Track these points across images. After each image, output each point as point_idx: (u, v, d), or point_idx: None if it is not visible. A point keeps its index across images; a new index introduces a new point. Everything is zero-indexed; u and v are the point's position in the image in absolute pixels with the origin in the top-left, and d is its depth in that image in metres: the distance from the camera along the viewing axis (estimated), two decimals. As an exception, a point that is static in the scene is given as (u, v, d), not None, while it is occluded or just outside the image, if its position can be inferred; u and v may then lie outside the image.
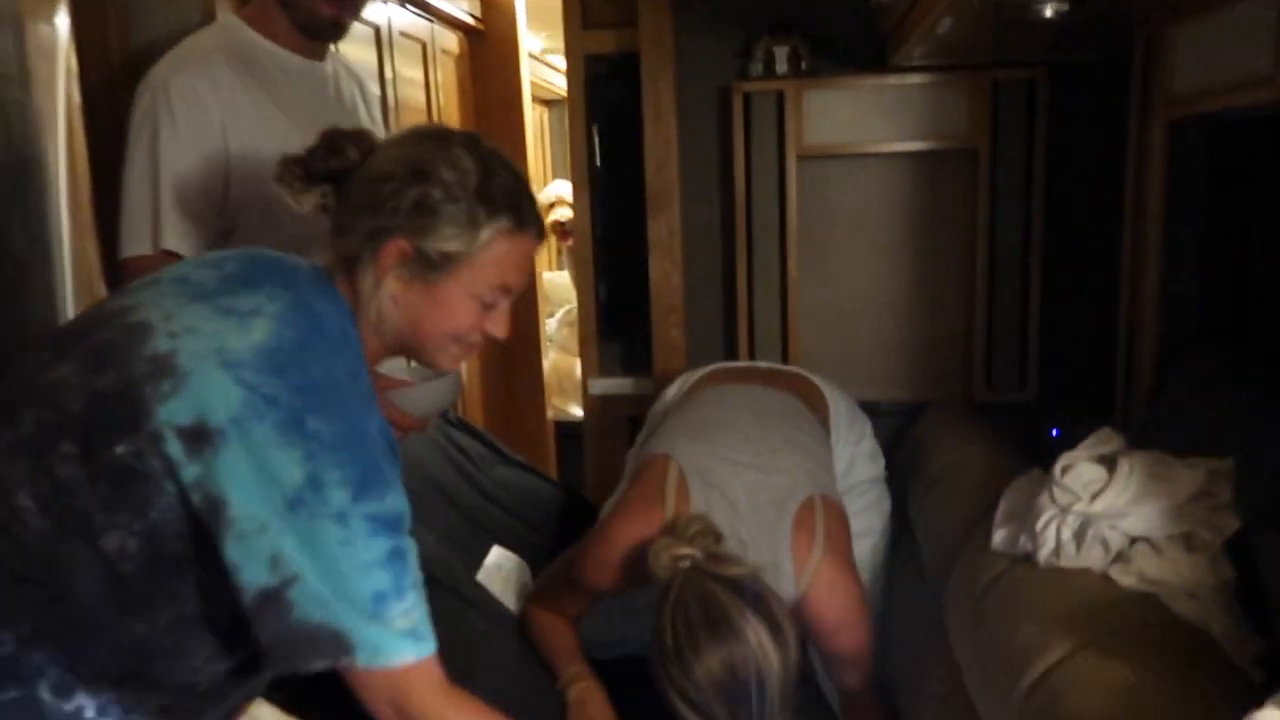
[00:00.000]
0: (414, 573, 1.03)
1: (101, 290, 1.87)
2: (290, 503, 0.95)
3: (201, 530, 0.98)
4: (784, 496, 1.51)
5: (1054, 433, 2.02)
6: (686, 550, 1.32)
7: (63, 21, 1.73)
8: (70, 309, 1.82)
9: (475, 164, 1.12)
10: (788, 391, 1.82)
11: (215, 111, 1.57)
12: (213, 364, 0.97)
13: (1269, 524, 1.16)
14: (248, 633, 0.98)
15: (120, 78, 2.03)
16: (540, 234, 1.18)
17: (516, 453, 2.12)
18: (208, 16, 2.10)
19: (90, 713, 1.02)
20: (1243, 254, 1.66)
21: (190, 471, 0.95)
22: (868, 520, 1.86)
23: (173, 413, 0.96)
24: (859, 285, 2.29)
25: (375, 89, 2.00)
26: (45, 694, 1.00)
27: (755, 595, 1.30)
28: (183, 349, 0.98)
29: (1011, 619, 1.23)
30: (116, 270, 1.66)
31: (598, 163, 2.52)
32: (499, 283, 1.15)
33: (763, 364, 2.03)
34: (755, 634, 1.25)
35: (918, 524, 1.88)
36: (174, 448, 0.95)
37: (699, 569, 1.31)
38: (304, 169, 1.14)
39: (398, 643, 1.00)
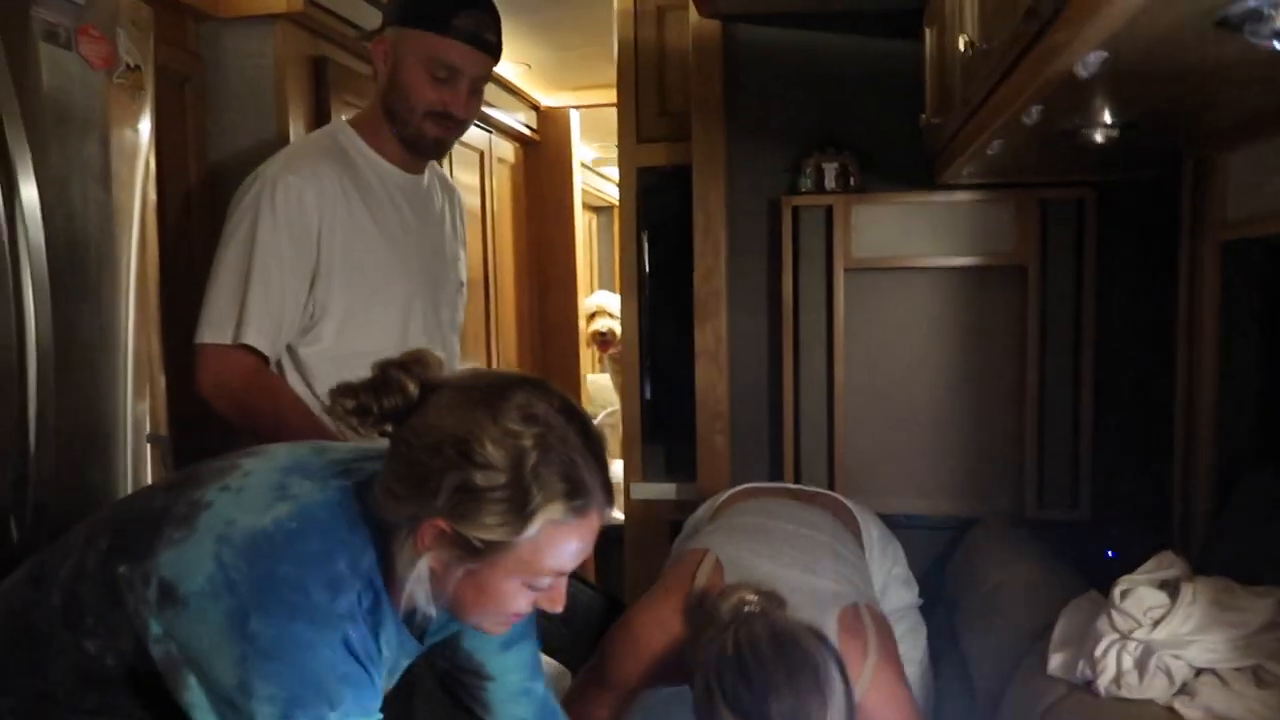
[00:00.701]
0: None
1: (161, 384, 1.92)
2: (223, 700, 0.93)
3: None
4: (827, 600, 1.48)
5: (1109, 554, 1.98)
6: (756, 597, 1.32)
7: (145, 126, 1.82)
8: (130, 397, 1.87)
9: (532, 439, 0.96)
10: (823, 509, 1.81)
11: (315, 218, 1.62)
12: (214, 532, 0.99)
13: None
14: None
15: (196, 185, 2.13)
16: (609, 500, 1.03)
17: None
18: (281, 136, 2.22)
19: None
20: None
21: (158, 623, 0.97)
22: (905, 649, 1.79)
23: (166, 562, 0.98)
24: (907, 397, 2.28)
25: (465, 199, 2.07)
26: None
27: (815, 631, 1.32)
28: (213, 505, 1.01)
29: (1072, 750, 1.18)
30: (183, 358, 1.71)
31: (647, 270, 2.56)
32: (551, 569, 1.01)
33: (792, 485, 2.03)
34: (821, 664, 1.25)
35: (968, 643, 1.82)
36: (152, 593, 0.97)
37: (765, 611, 1.31)
38: (356, 404, 1.01)
39: None
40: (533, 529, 0.96)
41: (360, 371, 1.64)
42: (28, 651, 1.03)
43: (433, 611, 1.03)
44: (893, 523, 2.27)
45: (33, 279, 1.66)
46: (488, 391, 0.99)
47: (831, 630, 1.44)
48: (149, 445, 1.91)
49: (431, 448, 0.97)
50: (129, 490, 1.89)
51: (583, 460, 0.99)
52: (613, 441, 4.49)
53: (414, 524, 0.98)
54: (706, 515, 1.91)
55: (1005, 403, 2.22)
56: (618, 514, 2.88)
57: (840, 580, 1.55)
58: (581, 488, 0.98)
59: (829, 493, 1.97)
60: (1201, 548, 1.66)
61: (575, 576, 2.08)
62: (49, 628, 1.02)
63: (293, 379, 1.66)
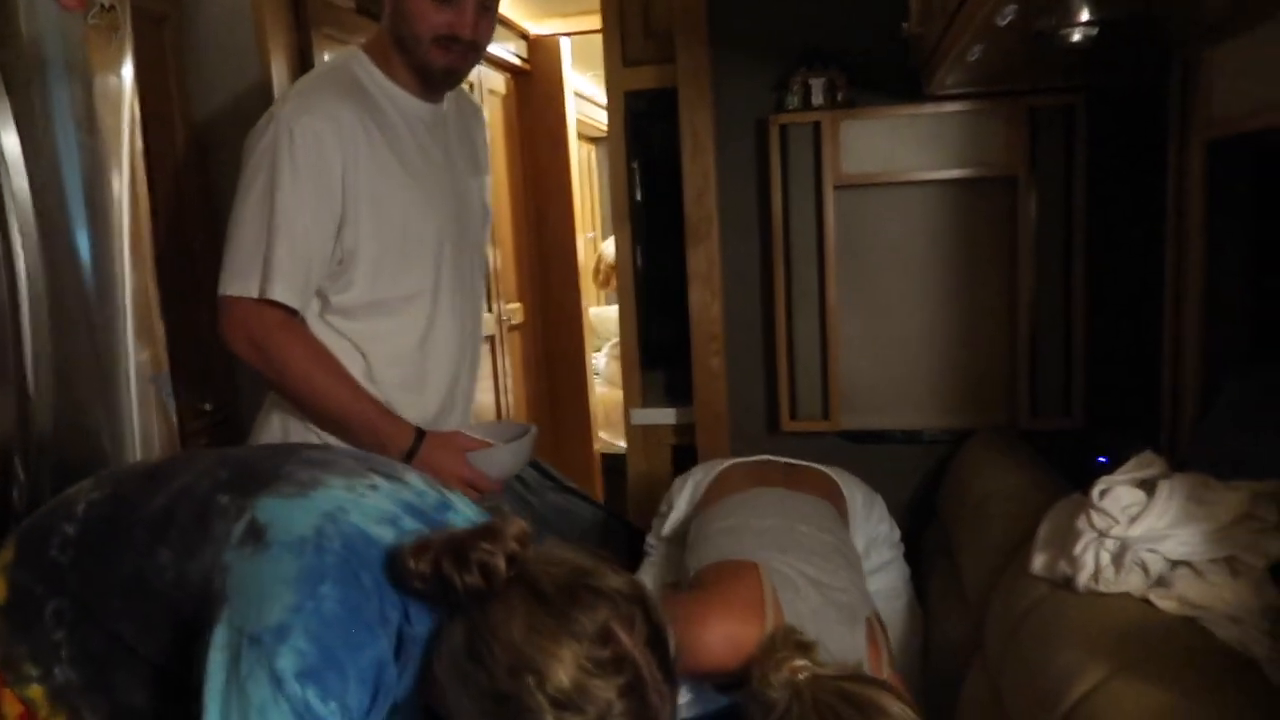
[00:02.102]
0: None
1: (161, 329, 1.95)
2: (248, 637, 0.93)
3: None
4: (851, 616, 1.57)
5: (1102, 460, 1.99)
6: (803, 662, 1.37)
7: (128, 72, 1.81)
8: (131, 341, 1.90)
9: (618, 689, 0.91)
10: (816, 495, 1.86)
11: (337, 163, 1.54)
12: (325, 509, 1.01)
13: (1314, 547, 1.13)
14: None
15: (181, 130, 2.13)
16: None
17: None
18: (263, 76, 2.20)
19: (63, 651, 1.06)
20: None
21: (229, 555, 0.99)
22: (890, 582, 1.93)
23: (265, 506, 1.01)
24: (900, 313, 2.28)
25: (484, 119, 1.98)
26: (48, 614, 1.06)
27: (873, 679, 1.38)
28: (332, 491, 1.04)
29: (1050, 644, 1.21)
30: (181, 304, 1.71)
31: (638, 197, 2.56)
32: None
33: (780, 460, 2.03)
34: (894, 705, 1.30)
35: (960, 553, 1.86)
36: (239, 528, 1.00)
37: (817, 676, 1.35)
38: (435, 572, 0.96)
39: None
40: None
41: (396, 318, 1.67)
42: (108, 542, 1.07)
43: None
44: (888, 439, 2.31)
45: (19, 224, 1.68)
46: (568, 604, 0.93)
47: (861, 648, 1.53)
48: (152, 386, 1.95)
49: (511, 669, 0.91)
50: (135, 433, 1.93)
51: (660, 701, 0.95)
52: (618, 374, 4.52)
53: None
54: (701, 487, 1.95)
55: (998, 314, 2.23)
56: (620, 441, 2.92)
57: (854, 590, 1.63)
58: None
59: (817, 468, 1.99)
60: (1186, 447, 1.67)
61: (582, 495, 2.14)
62: (137, 525, 1.06)
63: (321, 328, 1.63)
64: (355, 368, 1.63)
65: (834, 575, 1.62)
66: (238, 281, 1.56)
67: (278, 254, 1.53)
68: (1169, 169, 1.85)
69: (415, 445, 1.59)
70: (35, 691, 1.08)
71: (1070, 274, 2.14)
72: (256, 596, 0.95)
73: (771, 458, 2.04)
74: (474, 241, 1.80)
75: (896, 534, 2.01)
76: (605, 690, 0.91)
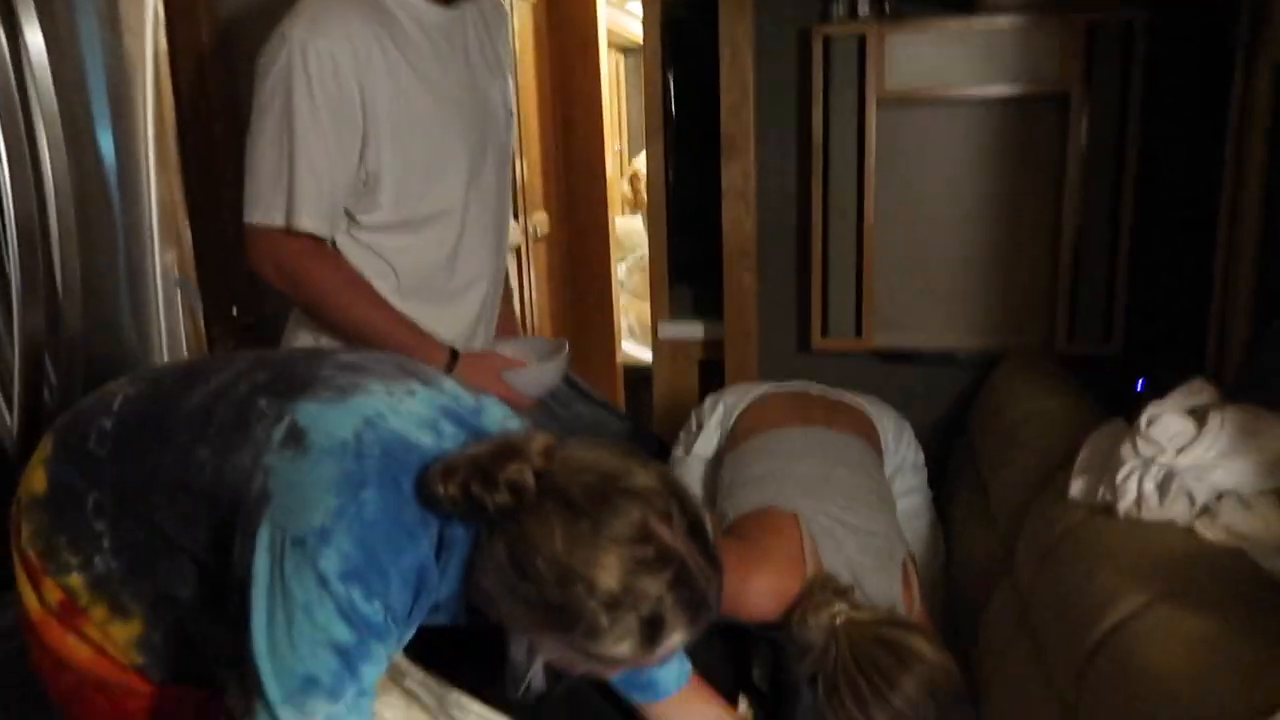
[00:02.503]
0: (362, 688, 0.96)
1: (187, 232, 1.92)
2: (291, 539, 0.94)
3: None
4: (888, 560, 1.60)
5: (1140, 385, 1.96)
6: (841, 606, 1.41)
7: (151, -31, 1.76)
8: (157, 243, 1.88)
9: (666, 583, 0.93)
10: (852, 433, 1.87)
11: (354, 85, 1.49)
12: (364, 414, 1.01)
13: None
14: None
15: (207, 35, 2.07)
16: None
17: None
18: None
19: (105, 542, 1.08)
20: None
21: (271, 457, 0.99)
22: (913, 504, 1.96)
23: (305, 410, 1.02)
24: (939, 231, 2.22)
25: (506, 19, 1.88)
26: (89, 507, 1.08)
27: (907, 621, 1.44)
28: (372, 395, 1.04)
29: (1087, 567, 1.20)
30: (206, 208, 1.68)
31: (672, 108, 2.49)
32: (659, 661, 1.01)
33: (814, 389, 2.01)
34: (928, 649, 1.36)
35: (990, 474, 1.84)
36: (280, 431, 1.00)
37: (854, 620, 1.40)
38: (465, 495, 0.96)
39: None
40: (658, 652, 0.96)
41: (424, 233, 1.64)
42: (147, 438, 1.08)
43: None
44: (920, 359, 2.28)
45: (45, 125, 1.65)
46: (602, 510, 0.93)
47: (898, 591, 1.57)
48: (178, 290, 1.94)
49: (558, 580, 0.92)
50: (162, 334, 1.93)
51: (707, 584, 0.96)
52: (642, 286, 4.49)
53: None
54: (734, 412, 1.94)
55: (1041, 236, 2.17)
56: (646, 354, 2.91)
57: (890, 531, 1.67)
58: (704, 608, 0.97)
59: (852, 403, 1.97)
60: (1234, 377, 1.64)
61: (609, 407, 2.14)
62: (175, 422, 1.07)
63: (348, 244, 1.60)
64: (385, 282, 1.61)
65: (871, 519, 1.64)
66: (262, 210, 1.53)
67: (301, 182, 1.50)
68: (1234, 89, 1.77)
69: (450, 364, 1.59)
70: (75, 580, 1.09)
71: (1119, 197, 2.07)
72: (299, 500, 0.95)
73: (807, 386, 2.02)
74: (499, 146, 1.75)
75: (921, 458, 2.02)
76: (654, 586, 0.92)
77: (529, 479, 0.94)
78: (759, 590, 1.49)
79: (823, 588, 1.46)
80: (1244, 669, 0.91)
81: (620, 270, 4.75)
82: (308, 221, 1.51)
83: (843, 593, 1.45)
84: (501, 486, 0.93)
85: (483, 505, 0.94)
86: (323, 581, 0.92)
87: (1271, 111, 1.65)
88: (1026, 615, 1.36)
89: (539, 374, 1.68)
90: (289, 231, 1.52)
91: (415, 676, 1.27)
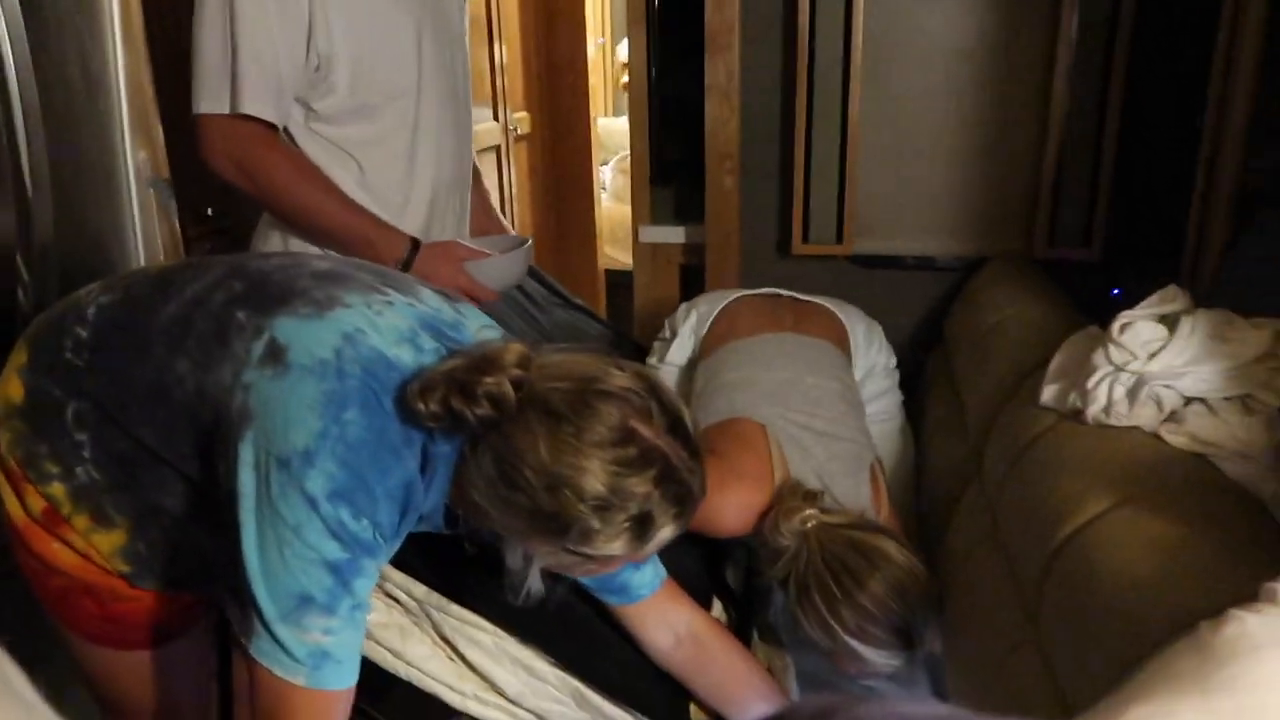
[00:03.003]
0: (356, 602, 0.97)
1: (157, 126, 1.88)
2: (275, 459, 0.94)
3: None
4: (856, 464, 1.62)
5: (1115, 292, 1.97)
6: (811, 511, 1.44)
7: None
8: (128, 142, 1.84)
9: (652, 481, 0.94)
10: (821, 337, 1.87)
11: None
12: (342, 329, 1.00)
13: (1332, 388, 1.13)
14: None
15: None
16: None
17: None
18: None
19: (85, 452, 1.08)
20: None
21: (250, 374, 0.99)
22: (884, 406, 1.98)
23: (283, 326, 1.00)
24: (923, 131, 2.19)
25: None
26: (69, 417, 1.08)
27: (876, 525, 1.48)
28: (351, 309, 1.03)
29: (1054, 472, 1.23)
30: (178, 105, 1.64)
31: (656, 3, 2.42)
32: (651, 553, 1.05)
33: (784, 293, 2.01)
34: (897, 551, 1.39)
35: (964, 378, 1.86)
36: (259, 347, 0.99)
37: (824, 524, 1.43)
38: (446, 410, 0.95)
39: (297, 657, 0.95)
40: (649, 546, 0.99)
41: (382, 119, 1.60)
42: (124, 348, 1.07)
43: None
44: (900, 264, 2.28)
45: (4, 13, 1.59)
46: (582, 414, 0.94)
47: (866, 495, 1.59)
48: (151, 190, 1.90)
49: (547, 488, 0.93)
50: (138, 236, 1.90)
51: (691, 476, 0.98)
52: (625, 188, 4.44)
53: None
54: (708, 318, 1.94)
55: (1026, 136, 2.14)
56: (628, 258, 2.89)
57: (858, 436, 1.68)
58: (690, 500, 0.99)
59: (823, 305, 1.97)
60: (1210, 283, 1.65)
61: (589, 312, 2.14)
62: (152, 332, 1.06)
63: (308, 139, 1.57)
64: (349, 176, 1.58)
65: (839, 425, 1.65)
66: (209, 99, 1.50)
67: (244, 68, 1.47)
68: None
69: (411, 255, 1.56)
70: (57, 489, 1.10)
71: (1106, 97, 2.04)
72: (281, 420, 0.95)
73: (779, 291, 2.02)
74: (454, 34, 1.71)
75: (893, 361, 2.03)
76: (641, 485, 0.94)
77: (507, 389, 0.94)
78: (730, 506, 1.51)
79: (793, 494, 1.49)
80: (1202, 571, 0.93)
81: (604, 173, 4.69)
82: (255, 106, 1.48)
83: (812, 497, 1.48)
84: (481, 399, 0.93)
85: (464, 419, 0.94)
86: (311, 503, 0.93)
87: (1263, 17, 1.62)
88: (994, 520, 1.39)
89: (502, 265, 1.65)
90: (237, 118, 1.49)
91: (396, 580, 1.30)
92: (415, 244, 1.58)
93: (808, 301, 1.99)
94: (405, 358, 1.01)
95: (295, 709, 0.97)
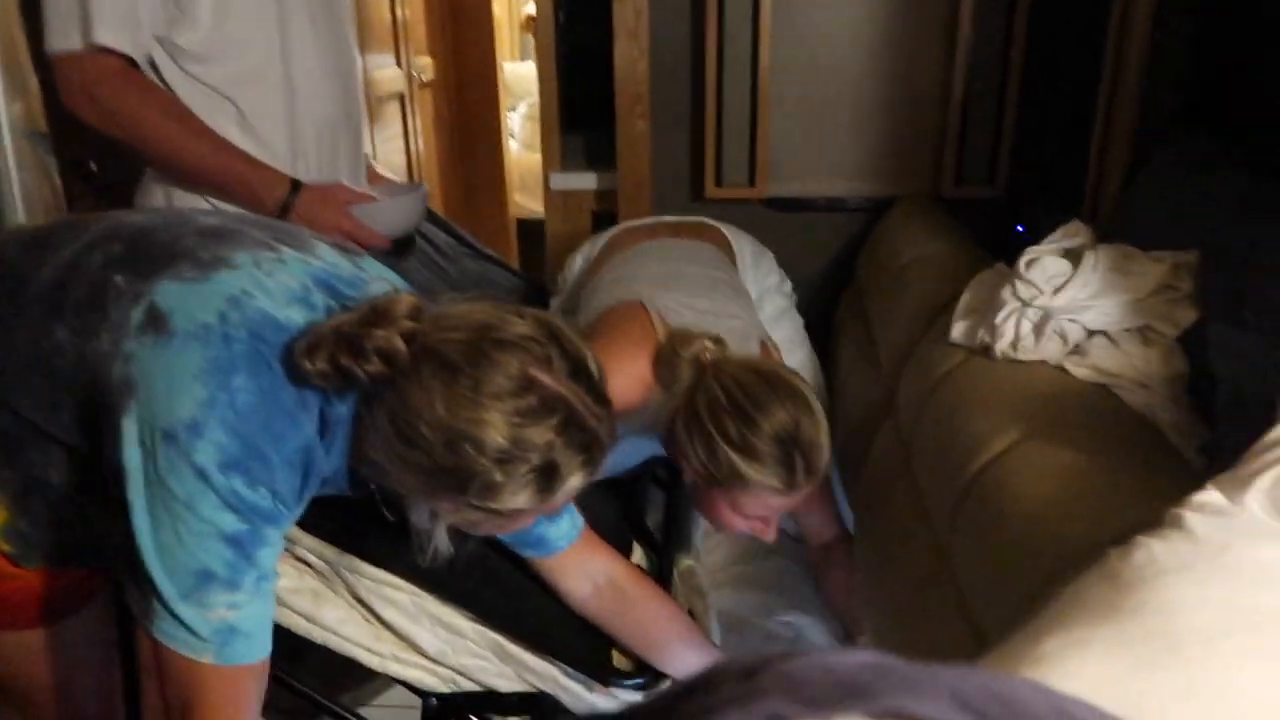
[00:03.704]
0: (261, 573, 0.93)
1: (32, 77, 1.76)
2: (161, 433, 0.89)
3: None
4: (743, 340, 1.57)
5: (1019, 229, 2.01)
6: (708, 344, 1.38)
7: None
8: (1, 93, 1.72)
9: (555, 429, 0.91)
10: (702, 241, 1.84)
11: None
12: (227, 292, 0.94)
13: (1225, 316, 1.16)
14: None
15: None
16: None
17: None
18: None
19: None
20: (1229, 39, 1.59)
21: (131, 343, 0.93)
22: (786, 333, 1.96)
23: (165, 291, 0.94)
24: (832, 80, 2.19)
25: None
26: None
27: (777, 361, 1.43)
28: (239, 270, 0.96)
29: (965, 408, 1.25)
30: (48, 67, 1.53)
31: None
32: (561, 507, 1.05)
33: (669, 219, 1.99)
34: (801, 386, 1.34)
35: (876, 321, 1.88)
36: (138, 314, 0.93)
37: (723, 356, 1.37)
38: (334, 368, 0.90)
39: (202, 635, 0.91)
40: (557, 497, 0.95)
41: (251, 54, 1.52)
42: (2, 315, 1.00)
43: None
44: (811, 206, 2.29)
45: None
46: (478, 366, 0.90)
47: None
48: (28, 142, 1.79)
49: (446, 444, 0.90)
50: (15, 194, 1.79)
51: (597, 423, 0.95)
52: (534, 135, 4.35)
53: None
54: (591, 255, 1.92)
55: (932, 79, 2.16)
56: (536, 206, 2.85)
57: (745, 316, 1.63)
58: (597, 447, 0.96)
59: (703, 221, 1.96)
60: (1110, 215, 1.68)
61: (499, 262, 2.09)
62: (27, 298, 0.99)
63: (182, 83, 1.47)
64: (229, 119, 1.49)
65: (723, 305, 1.61)
66: (60, 35, 1.40)
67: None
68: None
69: (291, 197, 1.49)
70: None
71: (1010, 38, 2.06)
72: (165, 390, 0.90)
73: (664, 219, 2.01)
74: None
75: (788, 285, 2.03)
76: (542, 434, 0.91)
77: (398, 343, 0.90)
78: (619, 378, 1.44)
79: (683, 334, 1.42)
80: (1108, 500, 0.96)
81: (513, 120, 4.59)
82: (107, 35, 1.38)
83: (706, 334, 1.41)
84: (371, 355, 0.89)
85: (354, 376, 0.90)
86: (201, 474, 0.88)
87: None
88: (907, 458, 1.41)
89: (391, 209, 1.58)
90: (92, 53, 1.39)
91: (306, 544, 1.26)
92: (296, 185, 1.50)
93: (691, 220, 1.98)
94: (296, 318, 0.96)
95: (207, 688, 0.93)
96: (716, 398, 1.32)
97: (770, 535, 1.41)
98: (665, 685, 1.37)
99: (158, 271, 0.96)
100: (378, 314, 0.92)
